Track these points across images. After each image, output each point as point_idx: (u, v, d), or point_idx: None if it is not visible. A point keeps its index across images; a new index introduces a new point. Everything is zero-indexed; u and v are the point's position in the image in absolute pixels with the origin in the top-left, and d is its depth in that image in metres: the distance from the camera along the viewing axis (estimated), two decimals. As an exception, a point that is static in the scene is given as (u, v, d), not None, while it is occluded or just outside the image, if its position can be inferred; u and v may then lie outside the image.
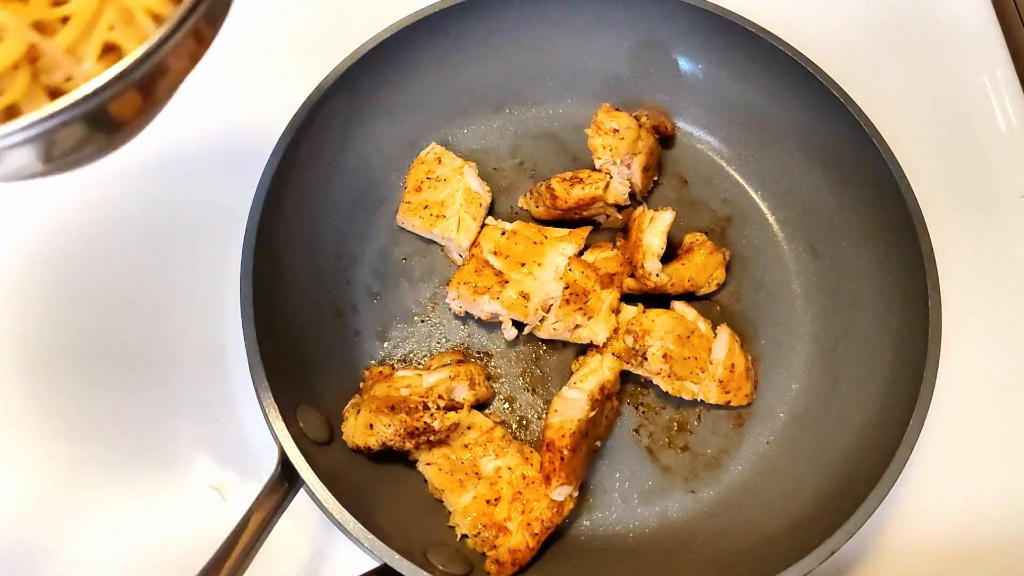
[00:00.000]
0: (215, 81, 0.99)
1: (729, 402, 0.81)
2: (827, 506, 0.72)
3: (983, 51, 1.02)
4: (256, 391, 0.70)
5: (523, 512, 0.73)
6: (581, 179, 0.86)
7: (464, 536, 0.74)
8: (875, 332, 0.80)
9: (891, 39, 1.05)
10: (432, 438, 0.74)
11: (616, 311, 0.81)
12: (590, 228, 0.86)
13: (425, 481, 0.77)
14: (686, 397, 0.81)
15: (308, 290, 0.82)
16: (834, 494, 0.73)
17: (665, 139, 0.93)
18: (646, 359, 0.79)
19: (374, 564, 0.68)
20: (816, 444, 0.79)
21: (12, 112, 0.43)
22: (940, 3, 1.06)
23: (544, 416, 0.79)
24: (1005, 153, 0.98)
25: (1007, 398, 0.87)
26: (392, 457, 0.76)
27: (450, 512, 0.75)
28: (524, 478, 0.74)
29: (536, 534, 0.73)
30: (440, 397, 0.75)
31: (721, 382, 0.80)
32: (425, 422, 0.73)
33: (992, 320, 0.90)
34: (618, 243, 0.87)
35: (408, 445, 0.74)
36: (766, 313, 0.87)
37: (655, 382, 0.80)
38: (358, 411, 0.74)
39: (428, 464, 0.75)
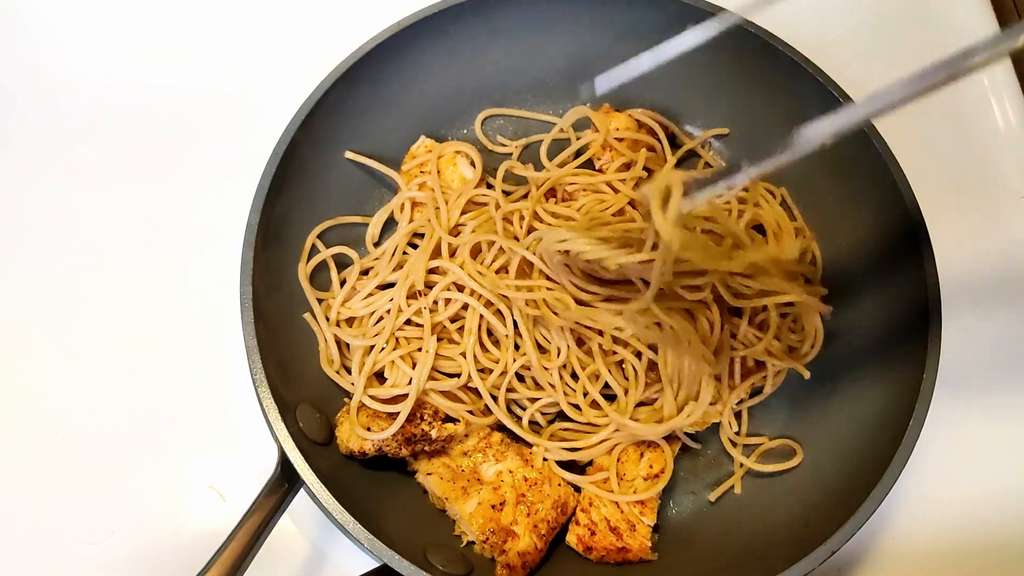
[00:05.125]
0: (216, 80, 0.99)
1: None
2: (827, 506, 0.72)
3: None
4: (256, 391, 0.70)
5: (528, 514, 0.73)
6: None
7: (471, 543, 0.74)
8: (875, 332, 0.80)
9: (891, 39, 1.05)
10: (428, 447, 0.74)
11: None
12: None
13: (425, 492, 0.77)
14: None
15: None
16: (834, 495, 0.73)
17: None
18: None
19: (374, 564, 0.68)
20: (815, 445, 0.79)
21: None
22: (939, 3, 1.06)
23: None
24: (1005, 153, 0.98)
25: (1007, 398, 0.87)
26: (389, 464, 0.76)
27: (455, 520, 0.75)
28: (526, 480, 0.74)
29: (543, 535, 0.73)
30: (435, 412, 0.75)
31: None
32: (423, 429, 0.73)
33: (992, 320, 0.90)
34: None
35: (404, 452, 0.73)
36: (766, 313, 0.87)
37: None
38: (355, 415, 0.74)
39: (428, 474, 0.75)
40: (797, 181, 0.89)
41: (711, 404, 0.76)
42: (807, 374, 0.77)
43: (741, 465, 0.79)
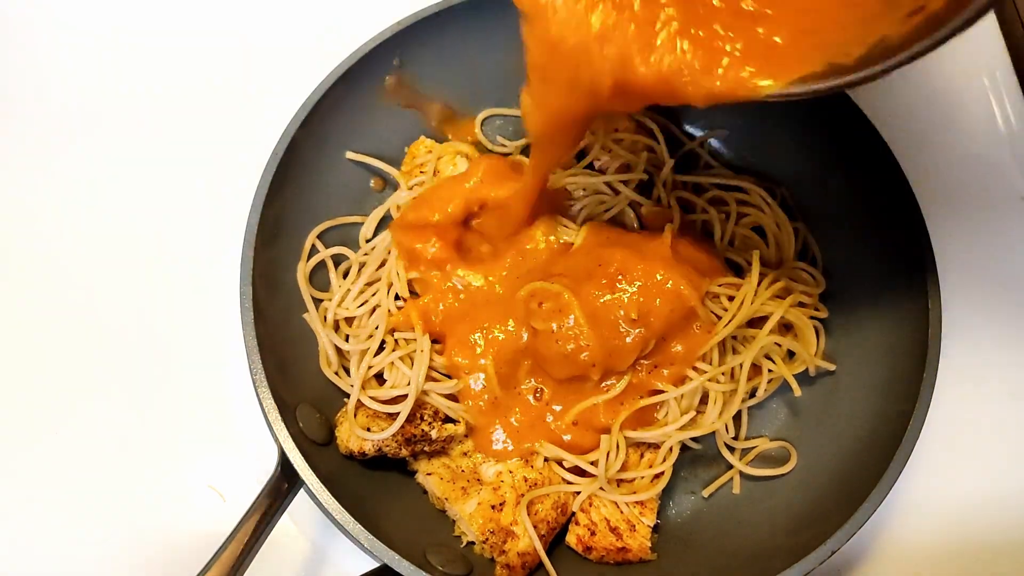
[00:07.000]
0: (217, 80, 0.99)
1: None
2: (827, 507, 0.72)
3: (983, 51, 1.02)
4: (256, 391, 0.70)
5: (528, 515, 0.72)
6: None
7: (470, 543, 0.74)
8: (875, 332, 0.80)
9: (891, 39, 1.05)
10: (427, 448, 0.74)
11: None
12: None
13: (424, 492, 0.77)
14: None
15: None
16: (834, 494, 0.73)
17: (665, 140, 0.93)
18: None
19: (374, 564, 0.68)
20: (816, 444, 0.79)
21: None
22: (940, 3, 1.06)
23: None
24: (1005, 154, 0.98)
25: (1007, 398, 0.87)
26: (389, 464, 0.76)
27: (455, 520, 0.75)
28: (526, 481, 0.74)
29: (543, 535, 0.72)
30: (435, 412, 0.75)
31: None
32: (423, 429, 0.73)
33: (992, 320, 0.90)
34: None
35: (404, 452, 0.73)
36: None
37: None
38: (354, 416, 0.74)
39: (429, 475, 0.75)
40: (798, 181, 0.89)
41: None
42: (798, 391, 0.77)
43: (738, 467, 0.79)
